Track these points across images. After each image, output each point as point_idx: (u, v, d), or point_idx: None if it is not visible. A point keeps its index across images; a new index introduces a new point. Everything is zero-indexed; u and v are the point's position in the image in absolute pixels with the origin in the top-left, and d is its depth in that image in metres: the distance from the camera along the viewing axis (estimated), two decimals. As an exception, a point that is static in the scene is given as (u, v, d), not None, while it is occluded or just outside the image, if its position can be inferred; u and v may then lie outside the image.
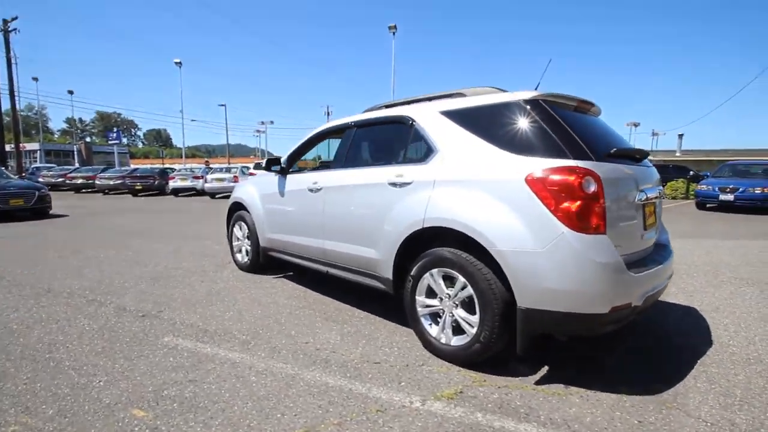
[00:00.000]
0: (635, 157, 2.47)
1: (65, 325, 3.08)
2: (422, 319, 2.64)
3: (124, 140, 48.42)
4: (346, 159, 3.35)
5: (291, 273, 4.59)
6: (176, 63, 33.48)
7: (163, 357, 2.55)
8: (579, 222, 2.00)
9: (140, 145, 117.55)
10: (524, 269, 2.10)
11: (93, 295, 3.80)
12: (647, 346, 2.77)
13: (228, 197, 5.25)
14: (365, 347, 2.70)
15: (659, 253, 2.60)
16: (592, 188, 2.02)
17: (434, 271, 2.52)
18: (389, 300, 3.41)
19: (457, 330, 2.47)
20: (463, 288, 2.38)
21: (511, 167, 2.21)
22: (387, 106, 3.31)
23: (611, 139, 2.47)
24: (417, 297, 2.65)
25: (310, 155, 4.28)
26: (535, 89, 2.49)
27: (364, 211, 3.00)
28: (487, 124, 2.44)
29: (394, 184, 2.79)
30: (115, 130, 40.11)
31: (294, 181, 3.85)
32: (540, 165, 2.11)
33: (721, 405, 2.06)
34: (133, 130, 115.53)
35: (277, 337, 2.87)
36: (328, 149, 4.37)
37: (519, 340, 2.19)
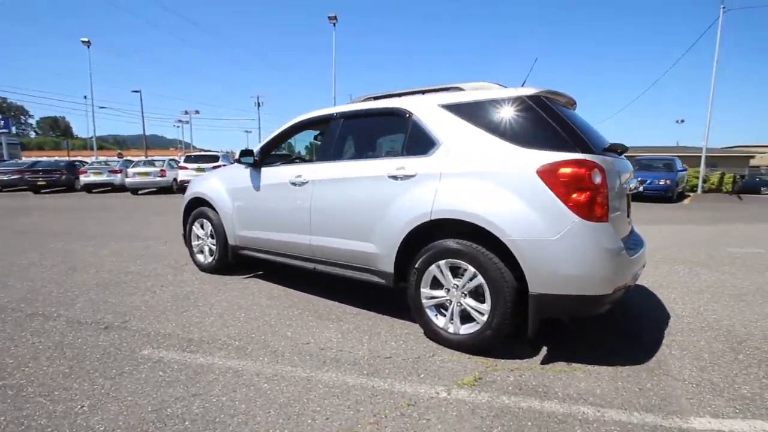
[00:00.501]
0: (618, 150, 2.72)
1: (9, 345, 2.60)
2: (428, 311, 2.66)
3: (13, 129, 41.79)
4: (334, 151, 3.23)
5: (261, 272, 4.33)
6: (84, 42, 29.41)
7: (150, 372, 2.27)
8: (588, 211, 2.15)
9: (33, 135, 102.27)
10: (538, 257, 2.21)
11: (31, 308, 3.25)
12: (618, 320, 3.08)
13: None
14: (370, 343, 2.66)
15: (635, 237, 2.90)
16: (598, 179, 2.18)
17: (441, 262, 2.55)
18: (377, 294, 3.42)
19: (465, 319, 2.53)
20: (473, 278, 2.44)
21: (521, 160, 2.31)
22: (376, 98, 3.25)
23: (597, 134, 2.69)
24: (422, 289, 2.67)
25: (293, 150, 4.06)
26: (522, 85, 2.63)
27: (360, 205, 2.93)
28: (492, 118, 2.51)
29: (394, 177, 2.76)
30: (0, 116, 34.24)
31: (270, 174, 3.63)
32: (550, 157, 2.23)
33: (697, 368, 2.37)
34: (23, 117, 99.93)
35: (273, 339, 2.70)
36: (291, 142, 4.18)
37: (531, 325, 2.31)
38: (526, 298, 2.31)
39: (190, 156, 15.02)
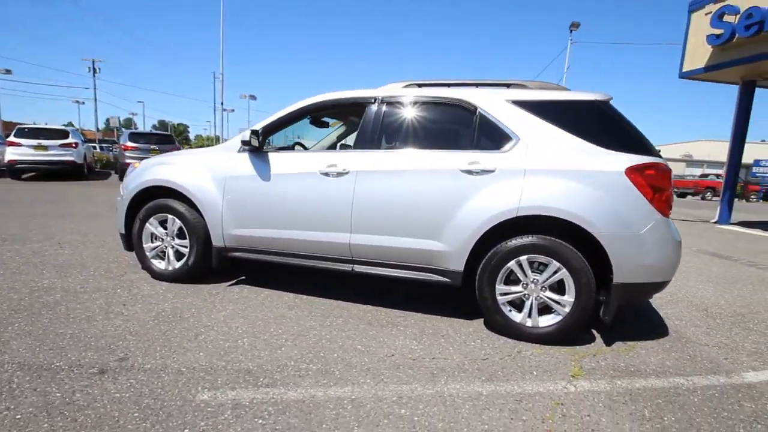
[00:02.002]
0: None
1: (-46, 424, 1.59)
2: (503, 308, 2.65)
3: None
4: (377, 140, 2.91)
5: (243, 276, 3.62)
6: None
7: (242, 423, 1.70)
8: (665, 208, 2.47)
9: None
10: (625, 249, 2.43)
11: (-75, 359, 2.03)
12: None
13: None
14: (453, 346, 2.51)
15: None
16: (670, 180, 2.52)
17: (523, 258, 2.57)
18: (417, 293, 3.27)
19: (543, 312, 2.62)
20: (555, 272, 2.53)
21: (609, 160, 2.49)
22: (420, 86, 3.03)
23: None
24: (497, 286, 2.64)
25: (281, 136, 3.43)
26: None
27: (425, 200, 2.72)
28: (570, 118, 2.63)
29: (469, 172, 2.64)
30: None
31: (285, 162, 3.05)
32: (636, 159, 2.47)
33: (704, 333, 2.97)
34: None
35: (350, 356, 2.31)
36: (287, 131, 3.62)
37: (610, 312, 2.53)
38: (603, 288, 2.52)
39: (24, 129, 11.30)
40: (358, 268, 2.95)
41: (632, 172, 2.45)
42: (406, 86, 3.06)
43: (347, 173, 2.86)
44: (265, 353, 2.29)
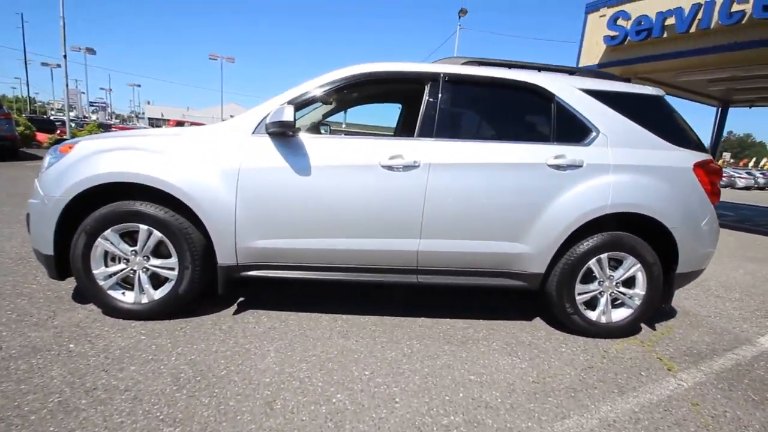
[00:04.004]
0: None
1: None
2: (580, 307, 2.58)
3: None
4: (447, 126, 2.43)
5: (241, 298, 2.75)
6: None
7: None
8: (716, 200, 2.67)
9: None
10: (690, 241, 2.57)
11: None
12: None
13: None
14: (555, 358, 2.33)
15: None
16: (721, 175, 2.73)
17: (603, 255, 2.52)
18: (460, 301, 3.01)
19: (614, 307, 2.63)
20: (631, 267, 2.55)
21: (678, 156, 2.55)
22: (480, 63, 2.62)
23: None
24: (577, 285, 2.55)
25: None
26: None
27: (509, 198, 2.39)
28: (640, 111, 2.59)
29: (556, 167, 2.41)
30: None
31: (328, 151, 2.32)
32: (698, 156, 2.59)
33: (714, 308, 3.42)
34: None
35: (475, 393, 1.93)
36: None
37: (670, 299, 2.68)
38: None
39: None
40: (424, 279, 2.49)
41: (698, 167, 2.57)
42: (465, 63, 2.62)
43: (417, 166, 2.33)
44: (390, 414, 1.74)
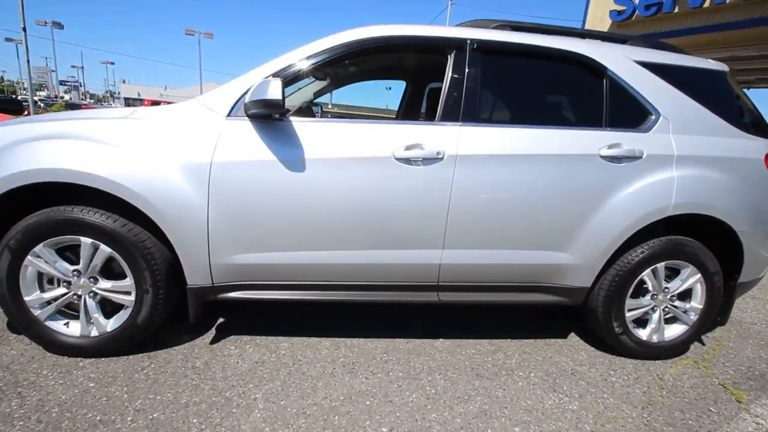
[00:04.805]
0: None
1: None
2: (630, 325, 2.17)
3: None
4: (477, 107, 1.93)
5: (223, 320, 2.26)
6: None
7: None
8: None
9: None
10: (757, 246, 2.16)
11: None
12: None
13: None
14: (607, 393, 1.92)
15: None
16: None
17: (660, 265, 2.10)
18: (479, 313, 2.57)
19: (666, 323, 2.24)
20: (689, 278, 2.14)
21: (747, 145, 2.12)
22: (514, 27, 2.10)
23: None
24: (627, 300, 2.13)
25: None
26: None
27: (555, 197, 1.93)
28: (704, 90, 2.13)
29: (611, 158, 1.95)
30: None
31: (326, 140, 1.80)
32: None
33: (740, 310, 3.07)
34: None
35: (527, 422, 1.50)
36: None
37: (728, 313, 2.29)
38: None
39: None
40: (446, 297, 2.04)
41: (769, 158, 2.15)
42: (496, 26, 2.10)
43: (440, 158, 1.84)
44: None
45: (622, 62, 2.07)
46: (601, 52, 2.06)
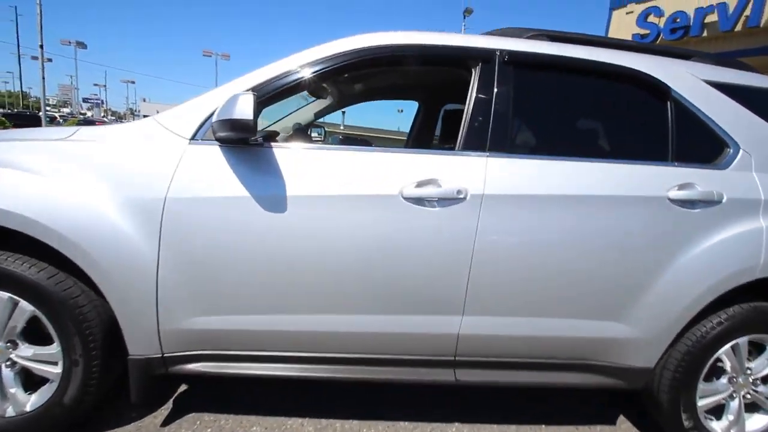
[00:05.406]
0: None
1: None
2: (702, 416, 1.67)
3: None
4: (509, 134, 1.53)
5: (184, 387, 1.83)
6: None
7: None
8: None
9: None
10: None
11: None
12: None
13: None
14: None
15: None
16: None
17: (742, 340, 1.62)
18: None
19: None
20: (774, 355, 1.66)
21: None
22: (552, 37, 1.71)
23: None
24: (699, 385, 1.64)
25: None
26: None
27: (610, 251, 1.49)
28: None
29: (682, 202, 1.52)
30: None
31: (313, 170, 1.41)
32: None
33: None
34: None
35: None
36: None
37: None
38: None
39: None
40: (465, 376, 1.58)
41: None
42: (530, 36, 1.71)
43: (462, 199, 1.42)
44: None
45: (689, 82, 1.66)
46: (664, 69, 1.65)
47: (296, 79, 1.49)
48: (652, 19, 7.53)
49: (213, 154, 1.39)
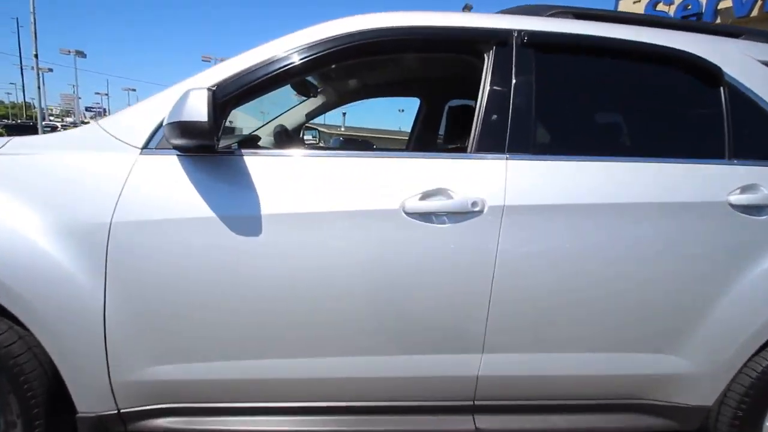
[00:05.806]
0: None
1: None
2: (768, 464, 1.40)
3: None
4: (531, 131, 1.26)
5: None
6: None
7: None
8: None
9: None
10: None
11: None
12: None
13: None
14: None
15: None
16: None
17: (817, 373, 1.34)
18: None
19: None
20: None
21: None
22: (577, 15, 1.43)
23: None
24: (766, 423, 1.37)
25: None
26: None
27: (658, 270, 1.23)
28: None
29: (744, 208, 1.24)
30: None
31: (295, 184, 1.16)
32: None
33: None
34: None
35: None
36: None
37: None
38: None
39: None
40: (486, 423, 1.31)
41: None
42: (552, 14, 1.44)
43: (478, 212, 1.16)
44: None
45: (744, 64, 1.38)
46: (715, 50, 1.38)
47: (273, 72, 1.23)
48: (662, 7, 7.21)
49: (170, 165, 1.13)
